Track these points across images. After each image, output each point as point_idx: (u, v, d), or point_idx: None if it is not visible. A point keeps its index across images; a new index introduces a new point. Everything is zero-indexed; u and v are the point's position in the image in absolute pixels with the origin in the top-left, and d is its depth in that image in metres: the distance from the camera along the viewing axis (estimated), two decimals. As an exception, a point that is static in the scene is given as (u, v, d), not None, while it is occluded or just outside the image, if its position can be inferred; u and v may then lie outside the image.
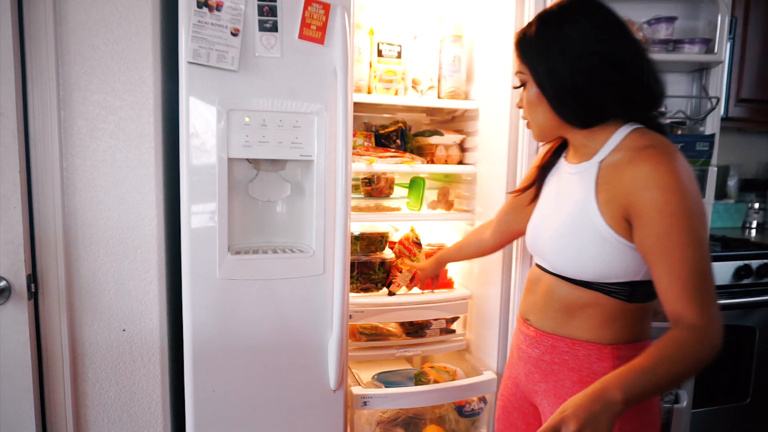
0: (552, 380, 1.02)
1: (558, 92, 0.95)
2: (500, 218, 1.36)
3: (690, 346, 0.81)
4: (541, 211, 1.09)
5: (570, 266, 0.97)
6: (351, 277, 1.75)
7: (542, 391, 1.04)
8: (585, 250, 0.94)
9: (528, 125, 1.06)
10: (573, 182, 1.00)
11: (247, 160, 1.36)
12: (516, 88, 1.05)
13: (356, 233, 1.79)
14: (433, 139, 1.90)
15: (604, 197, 0.92)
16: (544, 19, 0.97)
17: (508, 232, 1.35)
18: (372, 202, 1.81)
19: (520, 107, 1.05)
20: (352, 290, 1.77)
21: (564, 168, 1.06)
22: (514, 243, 1.62)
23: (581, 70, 0.91)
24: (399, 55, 1.82)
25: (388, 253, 1.86)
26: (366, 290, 1.80)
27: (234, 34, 1.23)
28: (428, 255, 1.90)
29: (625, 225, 0.90)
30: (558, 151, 1.11)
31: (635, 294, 0.94)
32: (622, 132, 0.94)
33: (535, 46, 0.96)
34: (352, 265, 1.75)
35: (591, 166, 0.96)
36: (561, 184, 1.05)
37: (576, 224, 0.95)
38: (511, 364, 1.16)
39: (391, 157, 1.76)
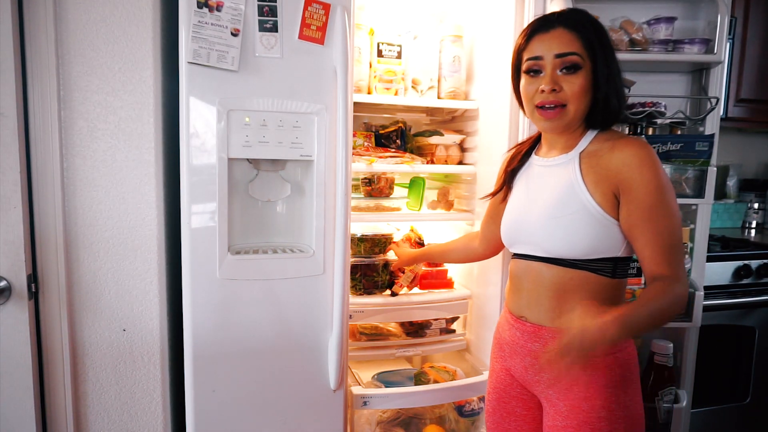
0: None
1: (611, 89, 1.06)
2: (484, 228, 1.45)
3: (668, 292, 0.97)
4: (517, 204, 1.17)
5: (562, 245, 1.05)
6: (353, 279, 1.74)
7: (545, 380, 1.10)
8: (576, 228, 1.03)
9: (556, 114, 1.05)
10: (554, 172, 1.10)
11: (247, 160, 1.36)
12: (569, 70, 1.03)
13: (359, 235, 1.78)
14: (433, 139, 1.90)
15: (592, 179, 1.03)
16: (593, 19, 1.07)
17: (493, 240, 1.42)
18: (372, 202, 1.81)
19: (553, 90, 1.04)
20: (354, 293, 1.77)
21: (537, 163, 1.17)
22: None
23: (619, 78, 1.08)
24: (399, 55, 1.82)
25: (392, 255, 1.86)
26: (369, 293, 1.79)
27: (234, 35, 1.23)
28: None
29: (614, 202, 1.02)
30: (524, 156, 1.22)
31: (616, 270, 1.06)
32: (591, 133, 1.10)
33: (602, 40, 1.05)
34: (355, 267, 1.75)
35: (572, 156, 1.08)
36: (533, 177, 1.16)
37: (566, 205, 1.04)
38: (501, 357, 1.20)
39: (391, 157, 1.76)
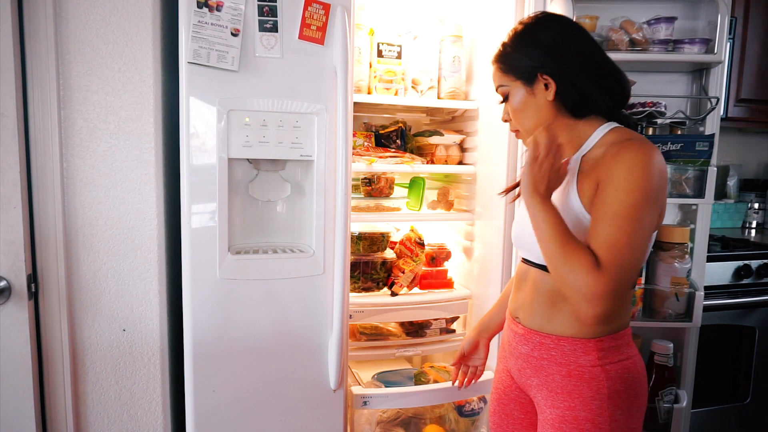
0: (543, 375, 1.06)
1: (583, 84, 1.02)
2: None
3: (581, 263, 0.89)
4: (523, 208, 1.14)
5: None
6: (352, 276, 1.75)
7: (535, 385, 1.08)
8: None
9: (518, 135, 1.13)
10: None
11: (248, 160, 1.36)
12: (502, 102, 1.11)
13: (357, 233, 1.79)
14: (433, 139, 1.90)
15: (584, 187, 0.99)
16: (520, 30, 1.08)
17: None
18: (372, 202, 1.81)
19: (506, 120, 1.13)
20: (353, 289, 1.77)
21: None
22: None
23: (569, 65, 1.02)
24: (399, 56, 1.82)
25: (389, 253, 1.86)
26: (367, 289, 1.80)
27: (234, 35, 1.23)
28: (428, 255, 1.91)
29: None
30: None
31: None
32: (602, 130, 1.03)
33: (550, 46, 1.03)
34: (354, 264, 1.75)
35: (573, 161, 1.04)
36: None
37: (560, 213, 1.00)
38: (503, 357, 1.19)
39: (391, 157, 1.76)
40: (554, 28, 1.04)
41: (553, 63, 1.01)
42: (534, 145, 0.97)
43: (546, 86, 1.02)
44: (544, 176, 0.96)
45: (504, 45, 1.09)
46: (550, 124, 1.04)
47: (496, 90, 1.11)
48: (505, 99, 1.10)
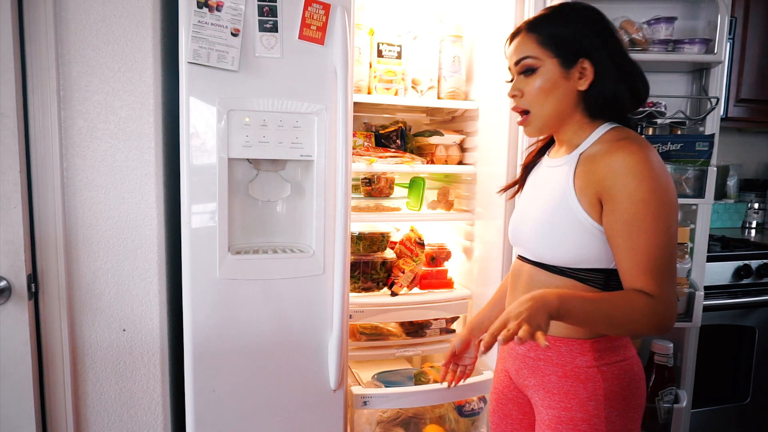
0: (539, 375, 1.05)
1: (618, 80, 0.99)
2: None
3: (640, 307, 0.89)
4: (522, 203, 1.15)
5: (549, 252, 1.01)
6: (352, 276, 1.75)
7: (532, 386, 1.08)
8: (563, 235, 0.99)
9: (524, 120, 1.06)
10: (553, 174, 1.06)
11: (248, 160, 1.36)
12: (526, 73, 1.02)
13: (357, 233, 1.79)
14: (433, 139, 1.90)
15: (580, 184, 0.98)
16: (569, 7, 1.02)
17: None
18: (372, 202, 1.81)
19: (513, 96, 1.05)
20: (353, 290, 1.77)
21: (544, 163, 1.13)
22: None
23: (610, 59, 0.98)
24: (399, 56, 1.82)
25: (389, 253, 1.86)
26: (367, 289, 1.80)
27: (234, 35, 1.23)
28: (429, 255, 1.91)
29: (600, 210, 0.96)
30: (541, 150, 1.17)
31: (609, 283, 0.99)
32: (603, 128, 1.01)
33: (591, 33, 0.99)
34: (354, 264, 1.75)
35: (571, 158, 1.02)
36: (539, 177, 1.12)
37: (556, 211, 1.00)
38: (502, 358, 1.19)
39: (391, 157, 1.76)
40: (602, 19, 1.01)
41: (599, 53, 0.97)
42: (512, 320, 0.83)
43: (580, 75, 0.98)
44: (536, 308, 0.85)
45: (548, 16, 1.01)
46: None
47: (518, 62, 1.02)
48: (526, 72, 1.01)
